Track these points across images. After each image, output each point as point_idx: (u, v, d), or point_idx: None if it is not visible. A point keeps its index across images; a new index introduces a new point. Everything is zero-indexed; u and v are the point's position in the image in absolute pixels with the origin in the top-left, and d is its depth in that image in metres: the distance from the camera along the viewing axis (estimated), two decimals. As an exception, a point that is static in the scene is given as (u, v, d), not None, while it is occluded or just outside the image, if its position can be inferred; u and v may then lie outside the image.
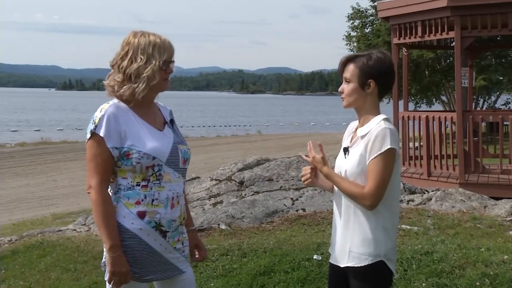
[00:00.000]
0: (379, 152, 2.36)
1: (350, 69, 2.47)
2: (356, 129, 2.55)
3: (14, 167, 17.99)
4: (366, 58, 2.45)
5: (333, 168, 2.56)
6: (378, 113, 2.49)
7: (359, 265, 2.43)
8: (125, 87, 2.47)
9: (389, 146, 2.36)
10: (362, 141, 2.44)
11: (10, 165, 18.28)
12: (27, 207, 11.51)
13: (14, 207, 11.57)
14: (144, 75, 2.45)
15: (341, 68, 2.52)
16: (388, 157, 2.37)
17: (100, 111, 2.43)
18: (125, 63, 2.47)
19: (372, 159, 2.38)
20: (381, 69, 2.44)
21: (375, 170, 2.37)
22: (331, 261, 2.60)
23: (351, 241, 2.46)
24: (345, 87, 2.49)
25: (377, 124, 2.42)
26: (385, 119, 2.45)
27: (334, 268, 2.58)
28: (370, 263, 2.42)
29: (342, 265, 2.51)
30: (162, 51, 2.48)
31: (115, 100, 2.50)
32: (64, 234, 6.30)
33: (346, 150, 2.52)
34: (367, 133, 2.43)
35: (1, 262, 5.47)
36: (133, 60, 2.46)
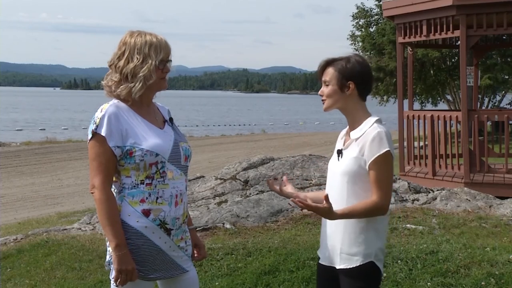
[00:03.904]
0: (378, 154, 2.39)
1: (329, 72, 2.51)
2: (347, 132, 2.58)
3: (20, 166, 18.05)
4: (345, 61, 2.49)
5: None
6: (367, 115, 2.52)
7: (350, 267, 2.45)
8: (122, 86, 2.48)
9: (387, 149, 2.40)
10: (356, 143, 2.46)
11: (16, 164, 18.35)
12: (33, 206, 11.55)
13: (19, 206, 11.61)
14: (141, 74, 2.46)
15: (320, 72, 2.55)
16: (387, 159, 2.41)
17: (101, 111, 2.44)
18: (121, 62, 2.48)
19: (371, 162, 2.40)
20: (360, 71, 2.48)
21: (378, 177, 2.40)
22: (322, 262, 2.60)
23: (342, 242, 2.47)
24: (325, 90, 2.52)
25: (371, 127, 2.45)
26: (377, 121, 2.48)
27: (325, 269, 2.58)
28: (361, 264, 2.44)
29: (333, 266, 2.52)
30: (158, 51, 2.49)
31: (115, 100, 2.51)
32: (69, 233, 6.32)
33: (339, 152, 2.54)
34: (361, 136, 2.46)
35: (7, 261, 5.49)
36: (129, 60, 2.47)
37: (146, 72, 2.46)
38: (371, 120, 2.49)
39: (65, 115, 60.40)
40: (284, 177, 2.75)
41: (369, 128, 2.45)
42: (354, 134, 2.50)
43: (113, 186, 2.48)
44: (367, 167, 2.42)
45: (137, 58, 2.46)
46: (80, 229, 6.50)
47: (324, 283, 2.63)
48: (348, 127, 2.59)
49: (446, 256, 4.63)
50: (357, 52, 2.68)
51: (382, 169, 2.40)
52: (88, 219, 6.99)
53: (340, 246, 2.48)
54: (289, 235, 5.48)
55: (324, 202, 2.34)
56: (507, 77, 23.38)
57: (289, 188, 2.73)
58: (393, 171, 2.47)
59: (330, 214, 2.36)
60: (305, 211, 6.30)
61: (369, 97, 2.65)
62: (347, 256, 2.46)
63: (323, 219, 2.59)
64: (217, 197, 7.00)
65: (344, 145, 2.54)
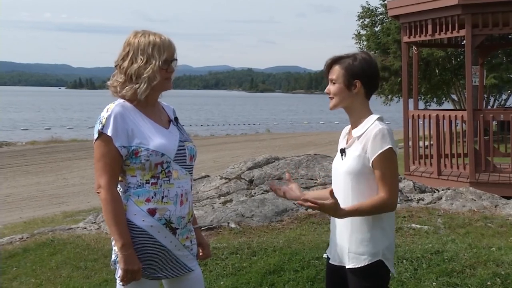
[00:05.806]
0: (380, 151, 2.38)
1: (336, 70, 2.49)
2: (350, 130, 2.57)
3: (25, 165, 18.10)
4: (351, 59, 2.48)
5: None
6: (369, 113, 2.51)
7: (359, 266, 2.45)
8: (126, 87, 2.48)
9: (389, 146, 2.39)
10: (358, 141, 2.46)
11: (21, 163, 18.40)
12: (38, 205, 11.58)
13: (25, 205, 11.65)
14: (145, 75, 2.46)
15: (326, 70, 2.54)
16: (391, 156, 2.40)
17: (107, 111, 2.45)
18: (126, 63, 2.48)
19: (374, 159, 2.39)
20: (367, 70, 2.47)
21: (383, 174, 2.39)
22: (332, 261, 2.60)
23: (349, 241, 2.48)
24: (331, 88, 2.51)
25: (373, 124, 2.45)
26: (379, 119, 2.48)
27: (335, 268, 2.58)
28: (368, 263, 2.44)
29: (341, 265, 2.53)
30: (162, 51, 2.48)
31: (121, 100, 2.51)
32: (74, 232, 6.34)
33: (343, 151, 2.53)
34: (363, 133, 2.45)
35: (13, 260, 5.51)
36: (133, 60, 2.47)
37: (150, 73, 2.46)
38: (373, 117, 2.48)
39: (69, 115, 60.59)
40: (287, 174, 2.73)
41: (370, 126, 2.44)
42: (356, 132, 2.49)
43: (118, 186, 2.49)
44: (370, 164, 2.41)
45: (141, 59, 2.46)
46: (85, 228, 6.51)
47: (333, 283, 2.62)
48: (350, 125, 2.58)
49: (452, 256, 4.62)
50: (364, 50, 2.66)
51: (386, 165, 2.39)
52: (93, 218, 7.01)
53: (348, 245, 2.48)
54: (294, 235, 5.48)
55: (330, 198, 2.32)
56: (512, 76, 23.27)
57: (294, 188, 2.69)
58: (397, 168, 2.46)
59: (336, 210, 2.34)
60: (310, 210, 6.31)
61: (373, 97, 2.64)
62: (355, 256, 2.46)
63: (331, 218, 2.59)
64: (222, 197, 7.01)
65: (347, 144, 2.54)
